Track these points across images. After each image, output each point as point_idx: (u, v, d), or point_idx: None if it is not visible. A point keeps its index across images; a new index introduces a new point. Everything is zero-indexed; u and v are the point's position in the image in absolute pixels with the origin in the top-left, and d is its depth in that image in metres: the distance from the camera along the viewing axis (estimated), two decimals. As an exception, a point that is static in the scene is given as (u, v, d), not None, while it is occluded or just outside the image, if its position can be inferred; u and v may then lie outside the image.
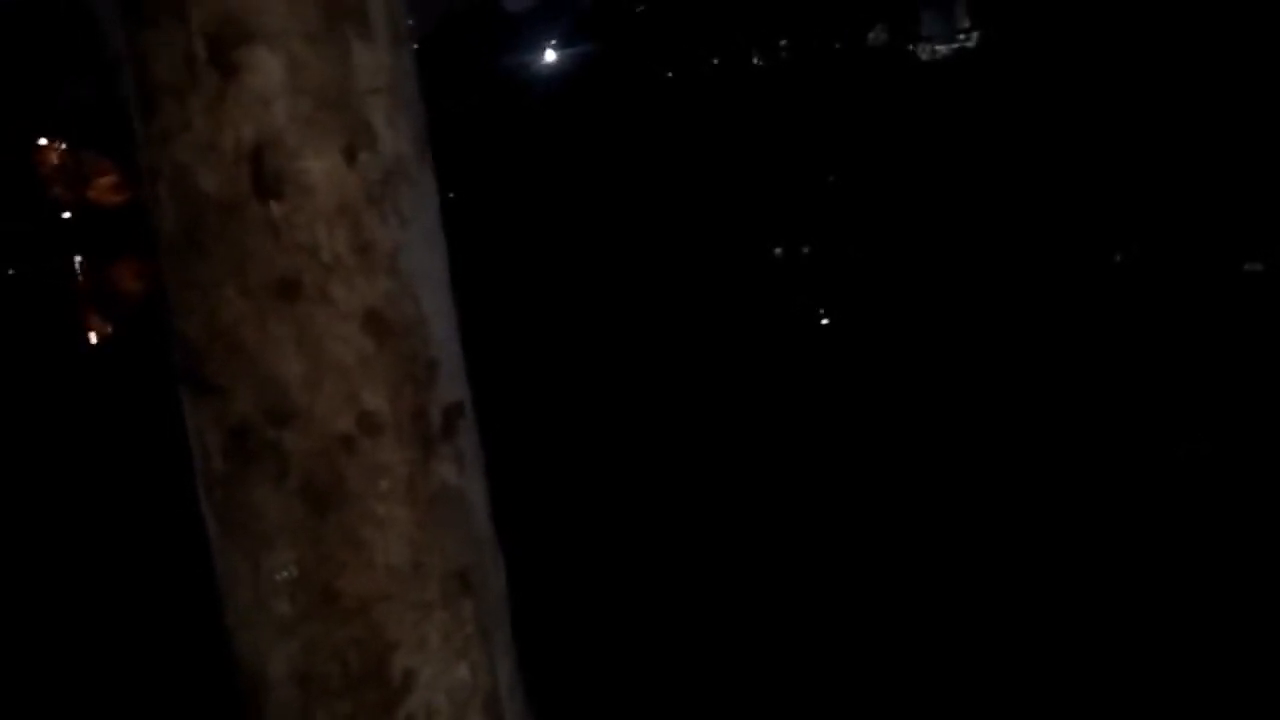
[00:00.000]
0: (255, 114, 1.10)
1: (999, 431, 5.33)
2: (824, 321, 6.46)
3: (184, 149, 1.10)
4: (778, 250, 6.72)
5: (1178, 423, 5.17)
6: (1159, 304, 5.74)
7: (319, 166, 1.12)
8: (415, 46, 1.32)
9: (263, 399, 1.13)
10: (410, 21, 1.31)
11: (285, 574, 1.16)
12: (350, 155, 1.14)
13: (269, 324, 1.11)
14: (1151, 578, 4.46)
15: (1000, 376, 5.58)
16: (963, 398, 5.48)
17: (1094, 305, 5.91)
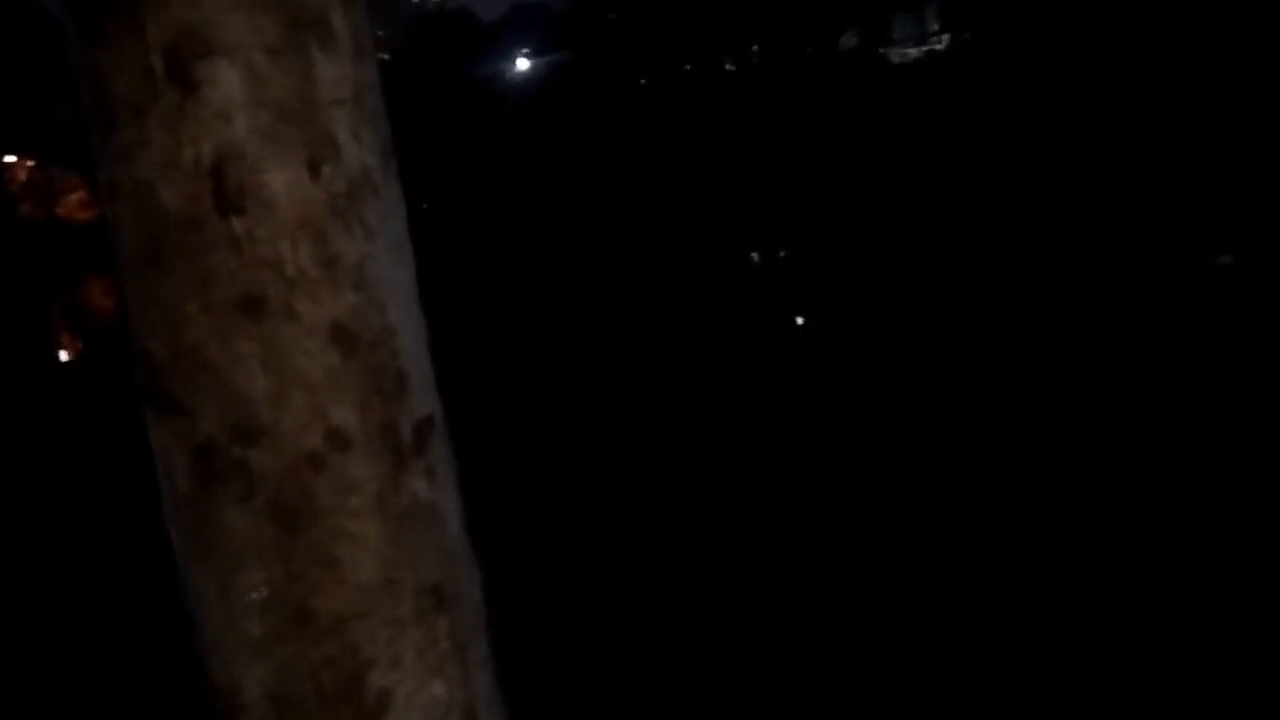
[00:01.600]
0: (216, 128, 1.09)
1: (970, 430, 5.34)
2: (800, 322, 6.47)
3: (144, 165, 1.09)
4: (754, 254, 6.72)
5: (1141, 424, 5.19)
6: (1131, 301, 5.76)
7: (281, 180, 1.11)
8: (386, 57, 1.30)
9: (228, 417, 1.11)
10: (380, 32, 1.30)
11: (256, 594, 1.15)
12: (314, 168, 1.12)
13: (233, 341, 1.10)
14: (1114, 578, 4.47)
15: (972, 376, 5.60)
16: (936, 396, 5.49)
17: (1064, 304, 5.93)
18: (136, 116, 1.07)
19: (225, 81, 1.08)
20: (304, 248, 1.12)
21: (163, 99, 1.07)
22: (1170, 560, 4.51)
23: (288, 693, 1.17)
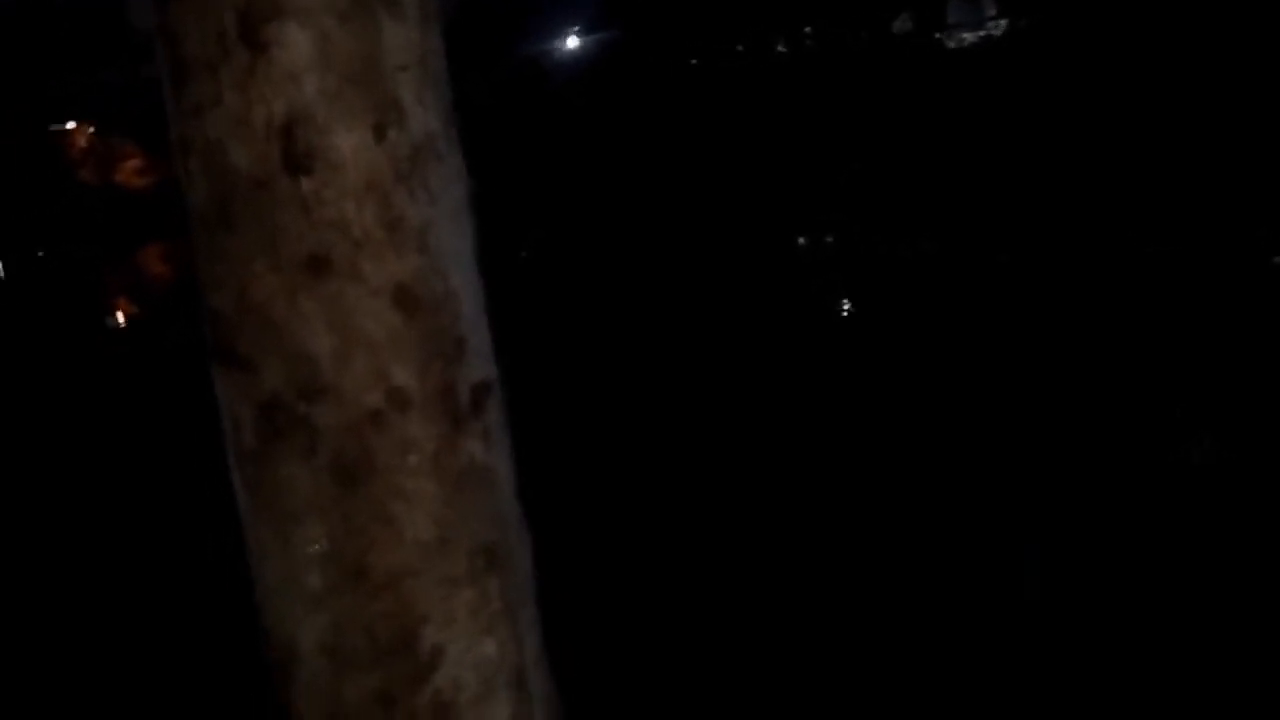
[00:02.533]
0: (285, 90, 1.11)
1: (1022, 423, 5.29)
2: (847, 311, 6.43)
3: (215, 124, 1.11)
4: (801, 239, 6.70)
5: (1198, 420, 5.12)
6: (1190, 296, 5.67)
7: (348, 143, 1.13)
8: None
9: (293, 374, 1.14)
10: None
11: (315, 548, 1.17)
12: (379, 132, 1.14)
13: (299, 299, 1.12)
14: (1159, 578, 4.43)
15: (1025, 367, 5.53)
16: (988, 387, 5.45)
17: (1122, 297, 5.85)
18: (208, 75, 1.10)
19: (295, 44, 1.10)
20: (369, 210, 1.14)
21: (234, 59, 1.09)
22: (1235, 558, 4.46)
23: (342, 645, 1.19)
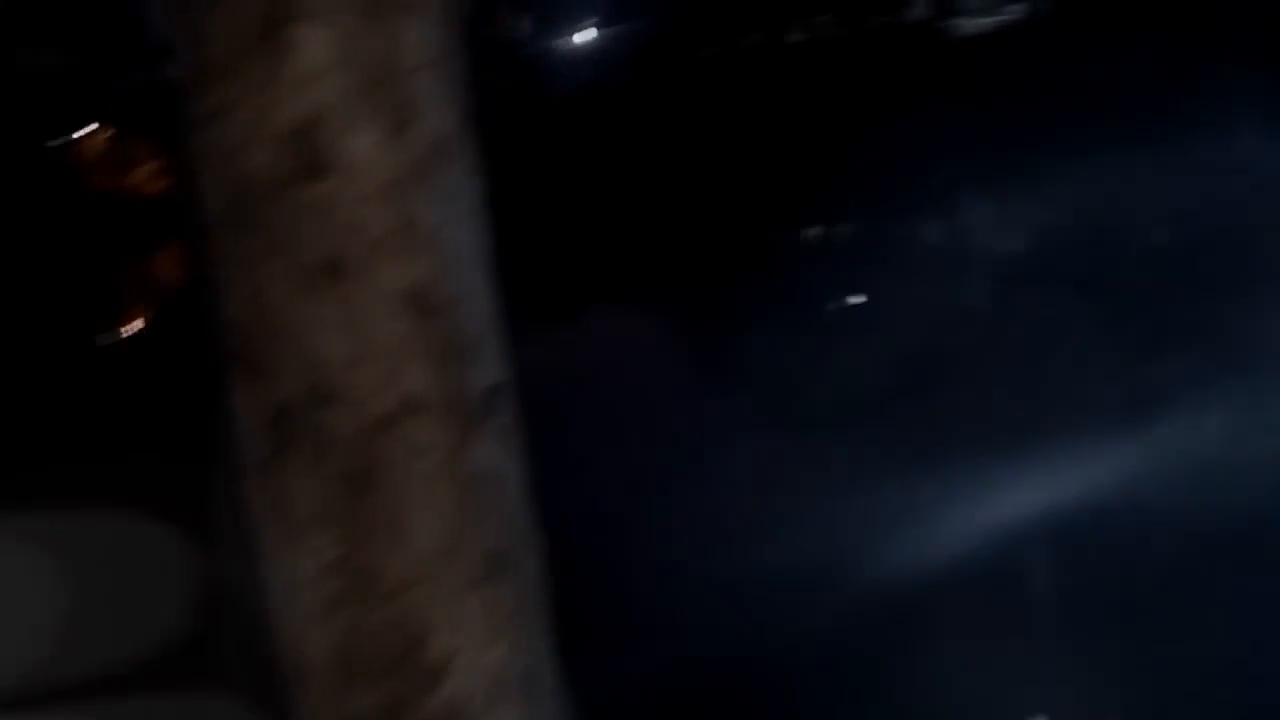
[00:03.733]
0: (304, 92, 1.09)
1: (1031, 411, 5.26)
2: (855, 301, 6.40)
3: (234, 128, 1.09)
4: (812, 229, 6.68)
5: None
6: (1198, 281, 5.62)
7: (365, 144, 1.11)
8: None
9: (306, 380, 1.12)
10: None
11: (325, 557, 1.16)
12: (396, 132, 1.13)
13: (313, 304, 1.11)
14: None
15: (1030, 355, 5.50)
16: (992, 380, 5.42)
17: (1130, 285, 5.81)
18: (229, 79, 1.08)
19: (316, 45, 1.08)
20: (384, 212, 1.12)
21: (256, 61, 1.07)
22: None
23: (352, 654, 1.19)
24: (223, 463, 1.23)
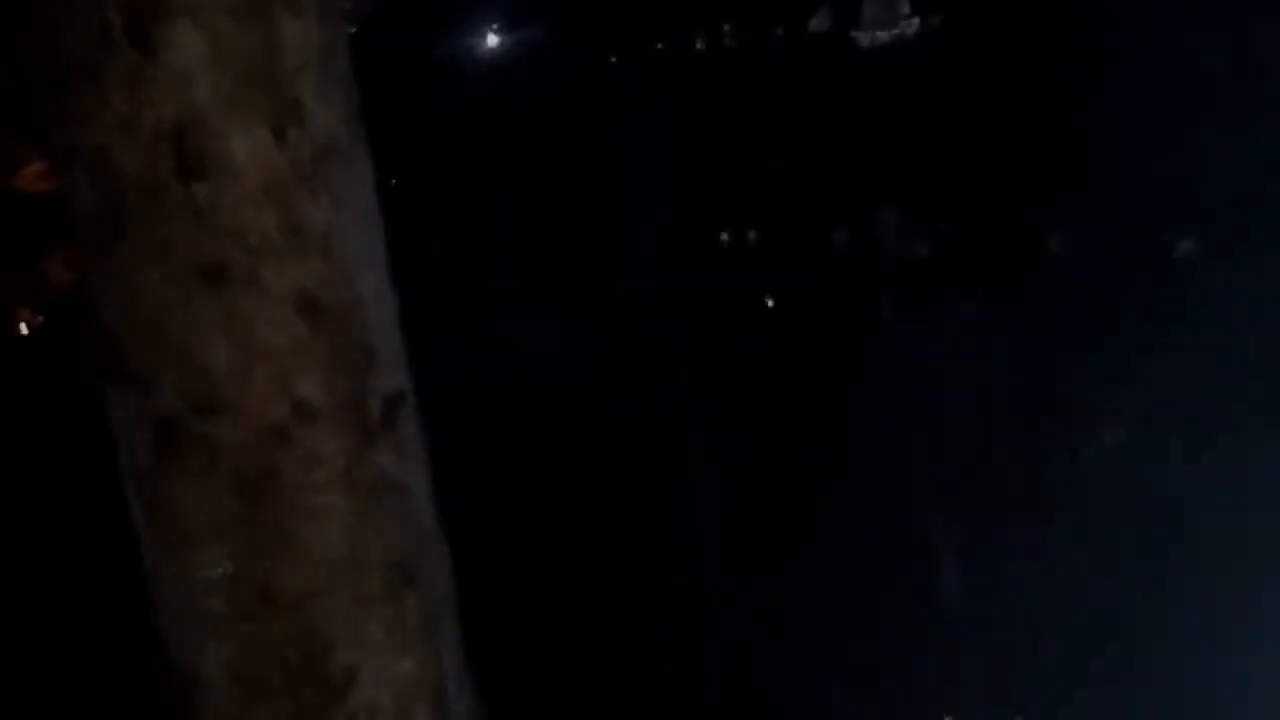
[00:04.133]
0: (176, 92, 1.06)
1: (934, 418, 5.34)
2: (770, 304, 6.45)
3: (101, 129, 1.05)
4: (724, 236, 6.72)
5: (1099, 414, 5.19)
6: (1093, 288, 5.76)
7: (245, 146, 1.08)
8: (353, 29, 1.28)
9: (190, 389, 1.09)
10: (347, 3, 1.27)
11: (218, 571, 1.12)
12: (279, 133, 1.09)
13: (195, 311, 1.07)
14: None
15: (939, 359, 5.58)
16: (902, 382, 5.49)
17: (1027, 290, 5.93)
18: (93, 78, 1.04)
19: (186, 44, 1.05)
20: (268, 215, 1.09)
21: (121, 60, 1.04)
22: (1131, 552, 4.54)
23: (249, 672, 1.15)
24: (110, 472, 1.18)
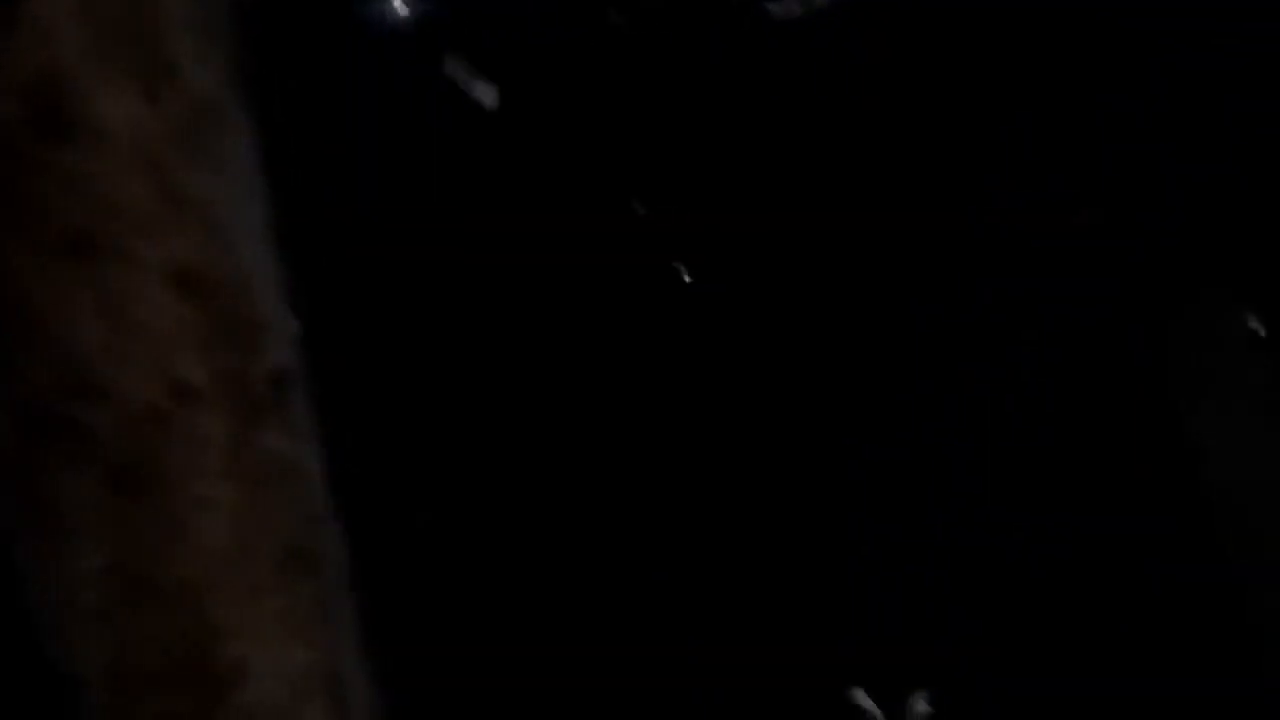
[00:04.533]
0: (39, 47, 0.98)
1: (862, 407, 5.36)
2: (686, 280, 6.43)
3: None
4: (637, 205, 6.69)
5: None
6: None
7: (116, 107, 1.01)
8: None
9: (59, 371, 1.02)
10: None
11: (95, 563, 1.06)
12: (151, 94, 1.02)
13: (60, 285, 1.00)
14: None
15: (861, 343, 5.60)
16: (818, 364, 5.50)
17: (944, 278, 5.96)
18: (-57, 31, 0.96)
19: (48, -5, 0.97)
20: (141, 182, 1.02)
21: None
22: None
23: (131, 666, 1.09)
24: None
